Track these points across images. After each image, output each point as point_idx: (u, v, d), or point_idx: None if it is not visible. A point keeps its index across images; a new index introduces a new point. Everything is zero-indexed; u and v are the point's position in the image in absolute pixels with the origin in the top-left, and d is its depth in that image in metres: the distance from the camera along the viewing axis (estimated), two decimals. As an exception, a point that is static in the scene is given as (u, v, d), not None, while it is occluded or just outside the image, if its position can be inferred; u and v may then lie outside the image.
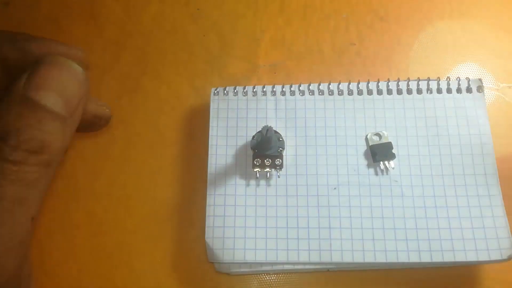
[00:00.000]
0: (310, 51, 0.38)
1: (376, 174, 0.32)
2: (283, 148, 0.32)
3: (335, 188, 0.32)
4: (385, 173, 0.32)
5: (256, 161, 0.32)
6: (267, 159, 0.32)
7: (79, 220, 0.34)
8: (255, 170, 0.32)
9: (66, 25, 0.40)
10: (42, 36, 0.22)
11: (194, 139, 0.35)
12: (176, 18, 0.39)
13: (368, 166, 0.32)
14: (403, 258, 0.30)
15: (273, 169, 0.32)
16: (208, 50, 0.38)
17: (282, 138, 0.32)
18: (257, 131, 0.33)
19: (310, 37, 0.38)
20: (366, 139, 0.33)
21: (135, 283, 0.32)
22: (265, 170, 0.32)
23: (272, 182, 0.32)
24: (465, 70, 0.37)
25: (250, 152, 0.33)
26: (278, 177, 0.32)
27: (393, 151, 0.32)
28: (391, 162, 0.32)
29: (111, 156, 0.35)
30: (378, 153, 0.32)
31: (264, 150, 0.32)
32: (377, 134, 0.33)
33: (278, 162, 0.32)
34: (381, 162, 0.32)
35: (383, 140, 0.32)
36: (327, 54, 0.38)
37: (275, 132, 0.32)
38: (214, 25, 0.39)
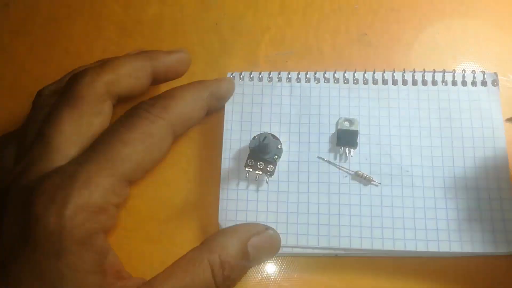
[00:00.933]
0: (311, 51, 0.38)
1: (388, 163, 0.32)
2: (279, 156, 0.32)
3: (346, 177, 0.32)
4: (343, 159, 0.32)
5: (249, 161, 0.32)
6: (261, 162, 0.32)
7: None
8: (246, 169, 0.32)
9: (66, 25, 0.40)
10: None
11: (193, 138, 0.35)
12: (176, 19, 0.39)
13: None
14: (410, 246, 0.30)
15: (263, 174, 0.32)
16: (208, 50, 0.38)
17: (280, 145, 0.32)
18: (259, 133, 0.33)
19: (311, 36, 0.38)
20: (337, 123, 0.33)
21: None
22: (255, 172, 0.32)
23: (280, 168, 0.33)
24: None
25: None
26: (266, 182, 0.32)
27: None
28: (352, 150, 0.33)
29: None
30: (342, 138, 0.33)
31: (261, 154, 0.32)
32: (348, 120, 0.33)
33: (270, 169, 0.32)
34: (343, 148, 0.33)
35: (353, 127, 0.33)
36: (327, 53, 0.37)
37: (276, 139, 0.32)
38: (214, 25, 0.39)
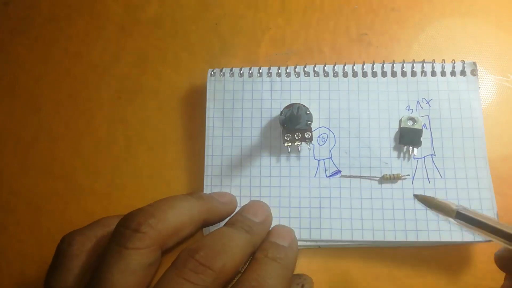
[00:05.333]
0: (311, 51, 0.38)
1: (368, 156, 0.33)
2: (311, 121, 0.32)
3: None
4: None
5: (286, 136, 0.32)
6: (297, 133, 0.32)
7: (79, 220, 0.34)
8: (286, 145, 0.33)
9: (66, 25, 0.40)
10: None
11: (192, 138, 0.36)
12: (176, 19, 0.39)
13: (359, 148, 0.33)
14: (389, 237, 0.31)
15: (303, 142, 0.33)
16: (208, 50, 0.38)
17: (309, 111, 0.33)
18: (284, 106, 0.33)
19: (311, 36, 0.38)
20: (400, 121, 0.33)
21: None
22: (295, 144, 0.33)
23: (265, 163, 0.33)
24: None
25: (246, 134, 0.34)
26: (309, 149, 0.33)
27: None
28: (415, 149, 0.33)
29: (111, 156, 0.36)
30: (406, 136, 0.32)
31: (294, 125, 0.32)
32: (411, 119, 0.33)
33: (308, 136, 0.32)
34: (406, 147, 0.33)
35: (416, 126, 0.33)
36: (327, 53, 0.37)
37: (303, 106, 0.33)
38: (214, 25, 0.39)
